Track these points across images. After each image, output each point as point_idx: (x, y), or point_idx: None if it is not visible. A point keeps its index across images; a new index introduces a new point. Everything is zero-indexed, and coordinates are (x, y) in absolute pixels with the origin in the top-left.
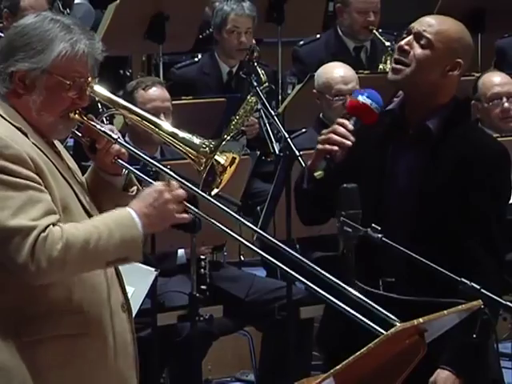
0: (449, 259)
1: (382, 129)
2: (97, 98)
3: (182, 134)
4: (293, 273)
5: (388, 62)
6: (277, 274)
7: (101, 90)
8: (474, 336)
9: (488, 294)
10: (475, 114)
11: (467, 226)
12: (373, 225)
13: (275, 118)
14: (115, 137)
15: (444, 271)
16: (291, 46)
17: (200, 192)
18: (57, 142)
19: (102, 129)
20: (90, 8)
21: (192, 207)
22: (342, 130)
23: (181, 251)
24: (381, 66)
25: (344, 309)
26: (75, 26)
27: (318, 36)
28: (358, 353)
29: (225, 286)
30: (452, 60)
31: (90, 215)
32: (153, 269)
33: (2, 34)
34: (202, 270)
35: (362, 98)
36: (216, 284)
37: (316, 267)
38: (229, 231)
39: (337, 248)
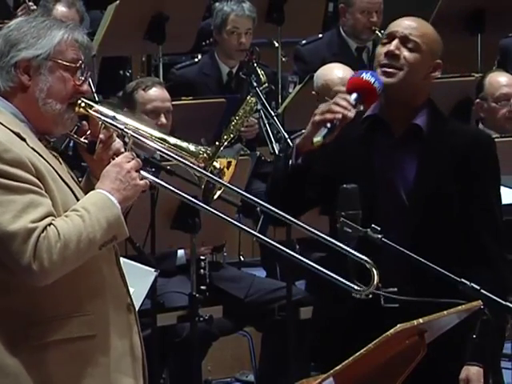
0: (455, 254)
1: (362, 134)
2: (92, 112)
3: (173, 140)
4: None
5: None
6: (276, 275)
7: (90, 102)
8: (474, 336)
9: (488, 294)
10: (478, 113)
11: (472, 215)
12: (373, 225)
13: (275, 118)
14: (121, 126)
15: (444, 271)
16: (292, 47)
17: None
18: None
19: (108, 120)
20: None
21: (149, 175)
22: (343, 102)
23: (180, 252)
24: None
25: (329, 275)
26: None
27: (321, 36)
28: (358, 353)
29: (224, 286)
30: (434, 61)
31: None
32: (152, 269)
33: None
34: (202, 271)
35: (365, 76)
36: (216, 284)
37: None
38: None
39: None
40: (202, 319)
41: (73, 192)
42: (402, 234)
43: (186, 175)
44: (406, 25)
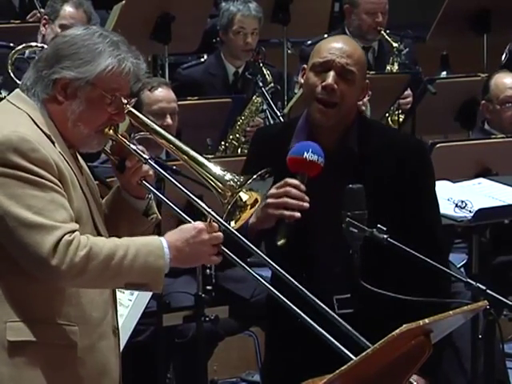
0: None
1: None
2: (120, 138)
3: (210, 165)
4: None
5: (395, 63)
6: None
7: (136, 112)
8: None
9: (493, 294)
10: (484, 113)
11: (413, 229)
12: (378, 225)
13: (281, 118)
14: (146, 157)
15: (450, 271)
16: (297, 47)
17: (226, 224)
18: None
19: (134, 147)
20: None
21: (227, 251)
22: (296, 192)
23: None
24: (388, 67)
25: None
26: (123, 43)
27: (326, 36)
28: (364, 353)
29: (230, 286)
30: (364, 84)
31: (99, 235)
32: None
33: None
34: (208, 271)
35: (307, 155)
36: (221, 284)
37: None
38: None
39: None
40: (207, 319)
41: (88, 205)
42: (346, 264)
43: (192, 175)
44: (340, 51)
